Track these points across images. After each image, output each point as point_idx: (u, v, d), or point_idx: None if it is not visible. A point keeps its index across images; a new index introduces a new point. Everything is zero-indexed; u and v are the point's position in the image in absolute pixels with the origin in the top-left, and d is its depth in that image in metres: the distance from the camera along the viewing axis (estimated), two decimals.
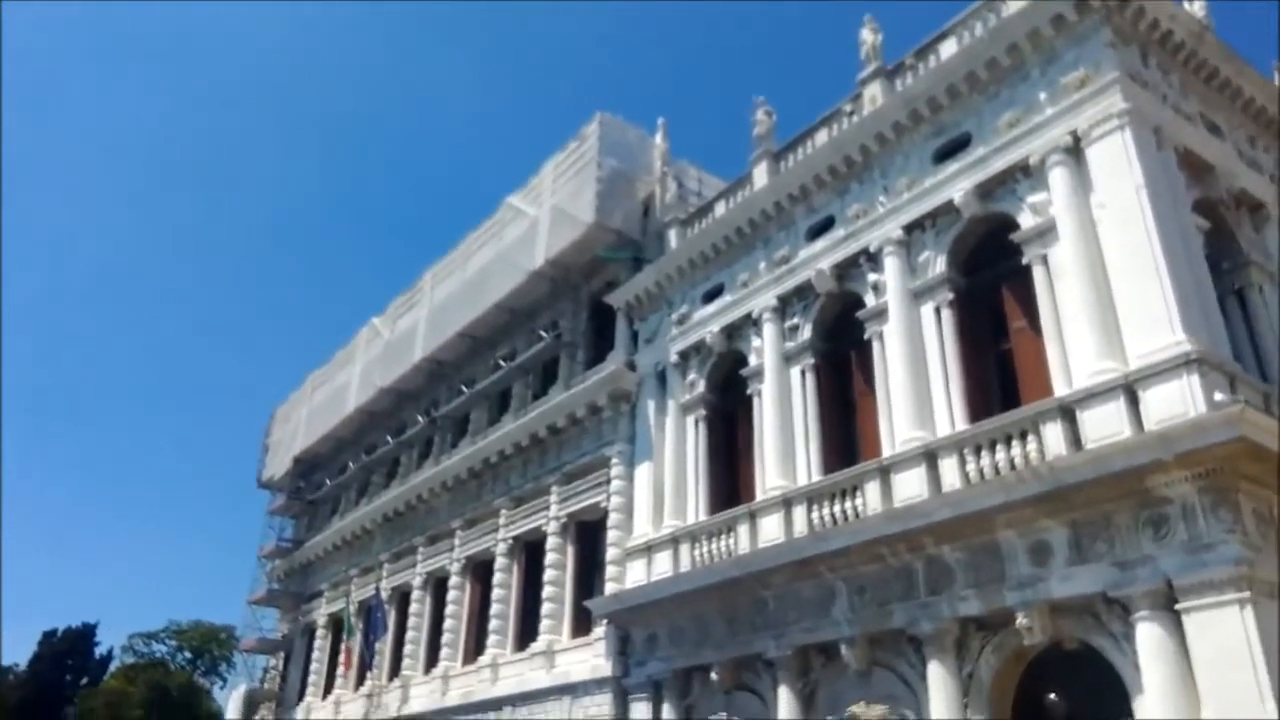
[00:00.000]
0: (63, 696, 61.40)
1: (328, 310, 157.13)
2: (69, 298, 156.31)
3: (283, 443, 41.45)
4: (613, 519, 22.54)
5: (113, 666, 65.76)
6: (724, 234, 22.00)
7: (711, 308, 22.06)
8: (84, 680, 64.51)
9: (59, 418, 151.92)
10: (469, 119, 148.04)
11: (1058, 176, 15.46)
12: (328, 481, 38.39)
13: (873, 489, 16.41)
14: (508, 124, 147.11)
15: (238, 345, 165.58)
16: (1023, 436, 14.44)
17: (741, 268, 21.57)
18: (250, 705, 37.06)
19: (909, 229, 17.85)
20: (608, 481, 23.22)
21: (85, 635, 66.80)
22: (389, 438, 34.46)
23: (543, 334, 27.48)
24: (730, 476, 20.89)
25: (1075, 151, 15.41)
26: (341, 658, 32.62)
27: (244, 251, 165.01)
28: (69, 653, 65.53)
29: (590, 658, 21.56)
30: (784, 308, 20.23)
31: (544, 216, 26.98)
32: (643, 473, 22.23)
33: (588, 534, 24.27)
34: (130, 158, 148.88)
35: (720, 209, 22.76)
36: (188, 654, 66.65)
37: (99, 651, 67.17)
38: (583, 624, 22.77)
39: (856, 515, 16.52)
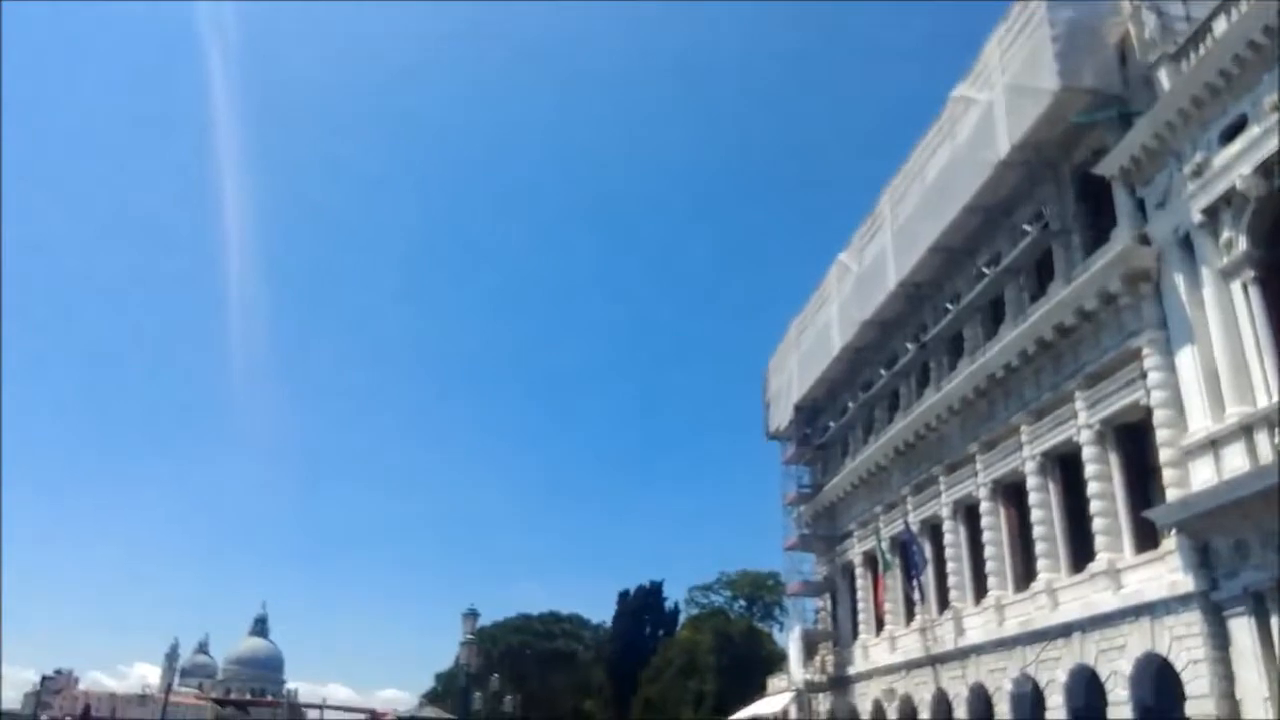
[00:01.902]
0: (644, 648, 71.77)
1: (795, 256, 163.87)
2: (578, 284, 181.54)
3: (781, 394, 43.91)
4: (1159, 416, 20.40)
5: (681, 619, 75.52)
6: (1233, 53, 18.63)
7: (1235, 146, 18.83)
8: (660, 632, 74.94)
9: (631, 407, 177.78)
10: (892, 21, 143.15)
11: None
12: (831, 424, 39.90)
13: None
14: (935, 12, 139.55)
15: (727, 309, 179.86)
16: None
17: (1266, 88, 18.07)
18: (809, 646, 39.96)
19: None
20: (1143, 376, 21.07)
21: (654, 592, 77.56)
22: (882, 371, 34.81)
23: (1026, 228, 25.70)
24: None
25: None
26: (883, 594, 33.84)
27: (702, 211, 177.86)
28: (643, 609, 76.56)
29: (1164, 573, 19.84)
30: None
31: (999, 99, 25.17)
32: (1186, 359, 19.80)
33: (1130, 438, 22.31)
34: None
35: (1220, 26, 19.29)
36: (742, 602, 74.00)
37: (667, 606, 77.66)
38: (1145, 537, 21.04)
39: None
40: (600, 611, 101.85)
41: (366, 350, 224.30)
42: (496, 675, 51.59)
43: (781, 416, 43.77)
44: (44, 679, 58.40)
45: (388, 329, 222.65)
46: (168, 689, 54.58)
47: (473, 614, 30.26)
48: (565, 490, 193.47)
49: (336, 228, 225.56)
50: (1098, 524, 22.33)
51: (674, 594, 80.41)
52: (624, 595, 78.38)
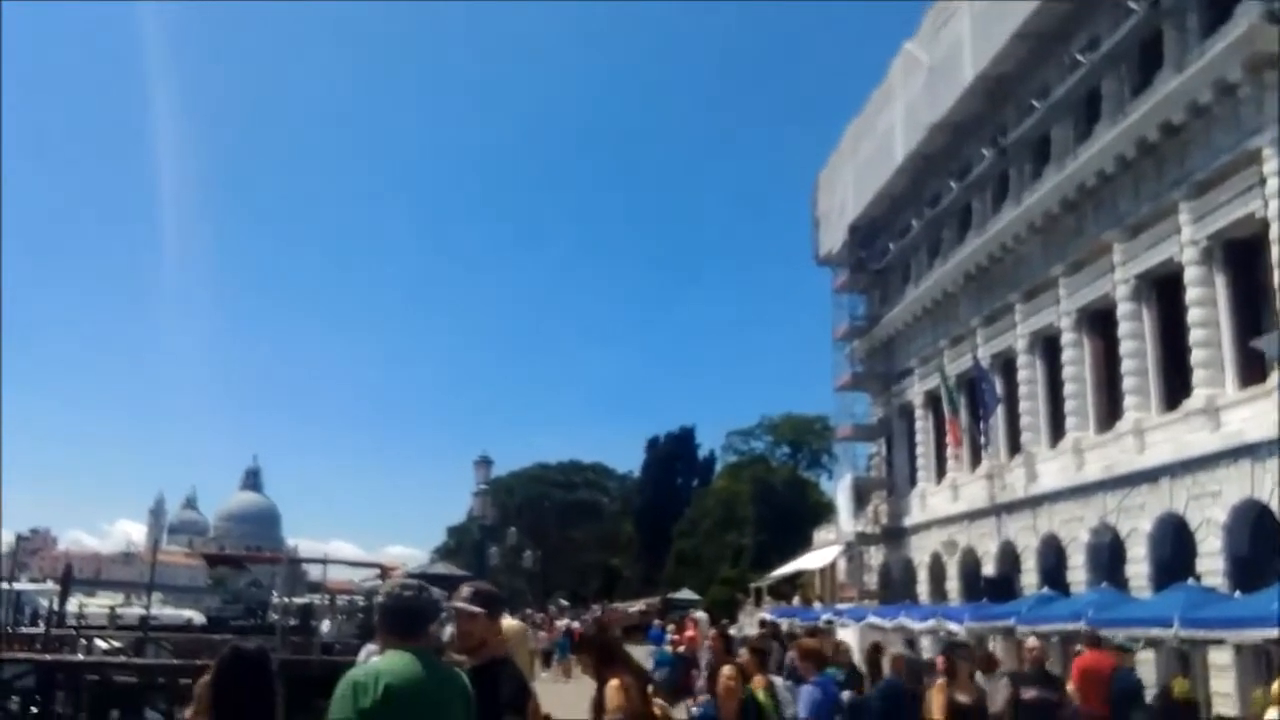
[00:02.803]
0: (677, 499, 74.08)
1: (852, 45, 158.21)
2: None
3: (832, 212, 43.46)
4: (1277, 230, 20.00)
5: (717, 467, 77.48)
6: None
7: None
8: (694, 482, 77.14)
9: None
10: None
11: None
12: (890, 247, 39.57)
13: None
14: None
15: (771, 111, 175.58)
16: None
17: None
18: (860, 495, 40.99)
19: None
20: (1260, 183, 20.52)
21: (685, 439, 79.43)
22: (952, 183, 34.19)
23: (1133, 5, 24.50)
24: None
25: None
26: (948, 438, 34.39)
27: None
28: (674, 456, 78.60)
29: (1270, 411, 19.85)
30: None
31: None
32: None
33: (1240, 255, 22.02)
34: None
35: None
36: (785, 449, 75.56)
37: (701, 454, 79.70)
38: (1252, 370, 21.08)
39: None
40: (626, 461, 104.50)
41: (361, 179, 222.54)
42: (514, 529, 53.56)
43: (833, 238, 43.41)
44: (19, 539, 61.24)
45: (388, 144, 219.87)
46: (155, 546, 57.32)
47: (485, 461, 31.06)
48: (584, 328, 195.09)
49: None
50: (1197, 355, 22.33)
51: (709, 440, 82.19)
52: (653, 442, 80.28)
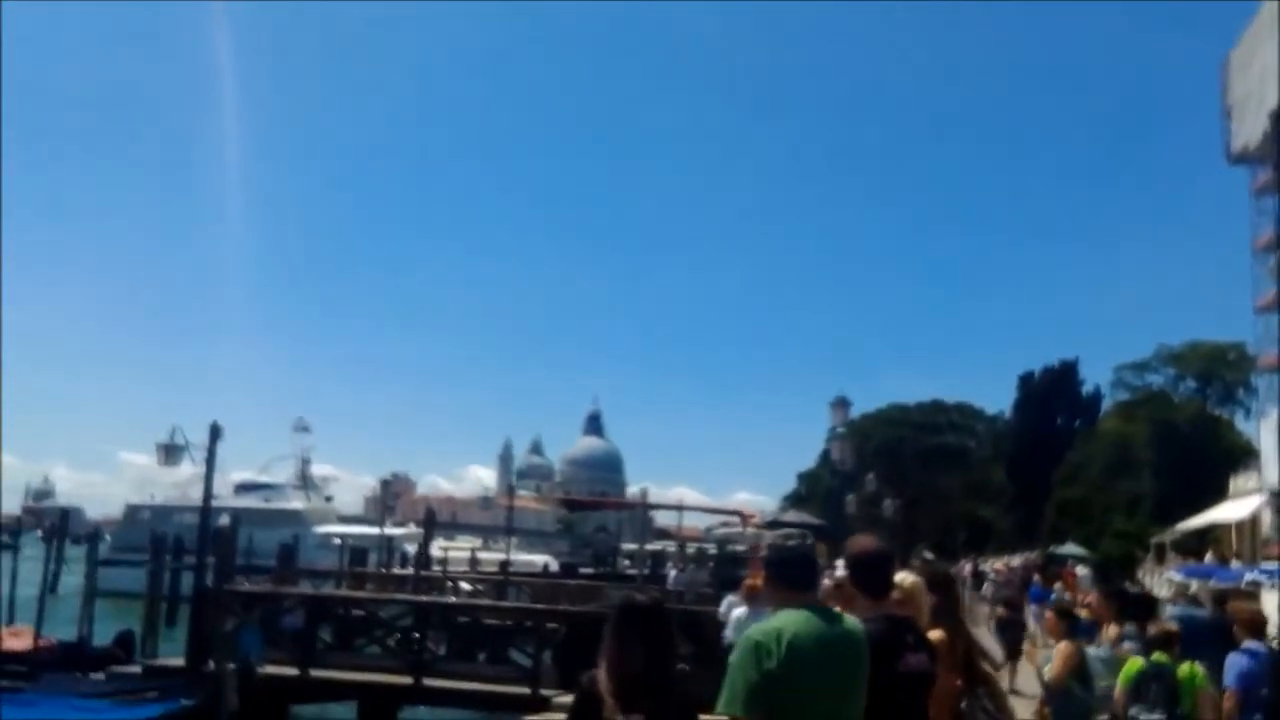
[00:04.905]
0: (1056, 442, 71.10)
1: None
2: None
3: (1249, 98, 40.92)
4: None
5: (1105, 405, 73.65)
6: None
7: None
8: (1076, 423, 73.64)
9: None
10: None
11: None
12: None
13: None
14: None
15: None
16: None
17: None
18: None
19: None
20: None
21: (1066, 374, 75.84)
22: None
23: None
24: None
25: None
26: None
27: None
28: (1052, 394, 75.38)
29: None
30: None
31: None
32: None
33: None
34: None
35: None
36: (1190, 382, 70.47)
37: (1085, 390, 75.86)
38: None
39: None
40: (995, 400, 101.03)
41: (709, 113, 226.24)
42: (871, 475, 53.49)
43: (1250, 130, 40.75)
44: (383, 483, 68.24)
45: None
46: (510, 492, 62.09)
47: (843, 402, 31.27)
48: (942, 253, 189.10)
49: None
50: None
51: (1094, 375, 78.24)
52: (1027, 378, 77.41)
